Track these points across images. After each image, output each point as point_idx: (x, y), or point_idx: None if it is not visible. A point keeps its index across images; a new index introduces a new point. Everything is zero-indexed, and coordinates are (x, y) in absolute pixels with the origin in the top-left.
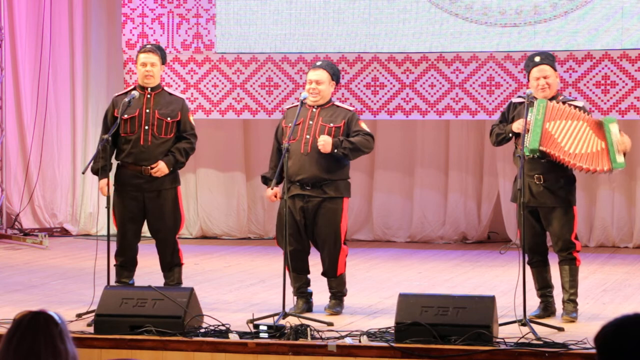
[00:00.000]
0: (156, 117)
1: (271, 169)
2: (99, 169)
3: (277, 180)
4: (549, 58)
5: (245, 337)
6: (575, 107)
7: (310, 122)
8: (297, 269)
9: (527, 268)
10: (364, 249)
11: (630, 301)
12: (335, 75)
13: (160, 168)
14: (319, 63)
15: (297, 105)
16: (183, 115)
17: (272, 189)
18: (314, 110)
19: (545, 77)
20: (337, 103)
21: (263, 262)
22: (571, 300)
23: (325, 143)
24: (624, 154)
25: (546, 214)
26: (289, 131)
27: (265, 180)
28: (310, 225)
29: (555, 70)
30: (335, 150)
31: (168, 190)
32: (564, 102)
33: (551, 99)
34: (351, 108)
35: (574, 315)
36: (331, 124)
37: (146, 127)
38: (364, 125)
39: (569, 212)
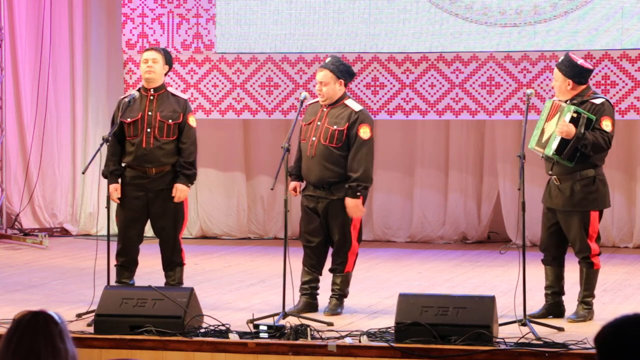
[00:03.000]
0: (158, 119)
1: (295, 163)
2: (108, 174)
3: (295, 176)
4: (563, 62)
5: (245, 337)
6: (593, 104)
7: (319, 123)
8: (307, 265)
9: (528, 268)
10: (364, 249)
11: (630, 301)
12: (341, 73)
13: (179, 195)
14: (328, 60)
15: (317, 101)
16: (184, 116)
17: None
18: (324, 109)
19: (554, 79)
20: (348, 102)
21: (263, 262)
22: (583, 302)
23: (354, 209)
24: (562, 142)
25: (562, 217)
26: (290, 132)
27: (290, 174)
28: (323, 222)
29: (567, 75)
30: (358, 194)
31: (171, 190)
32: (583, 103)
33: (573, 98)
34: (358, 108)
35: (580, 318)
36: (335, 127)
37: (148, 130)
38: (363, 133)
39: (584, 217)
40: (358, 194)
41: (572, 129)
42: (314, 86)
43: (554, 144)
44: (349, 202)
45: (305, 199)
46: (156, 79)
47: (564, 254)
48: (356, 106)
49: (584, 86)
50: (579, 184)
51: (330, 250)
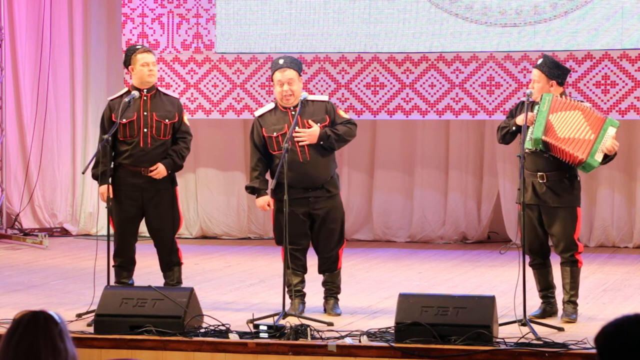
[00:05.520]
0: (154, 119)
1: (256, 178)
2: (99, 175)
3: (263, 190)
4: (545, 62)
5: (245, 337)
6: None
7: (298, 128)
8: (297, 267)
9: (528, 268)
10: (364, 249)
11: (630, 301)
12: (300, 70)
13: (160, 171)
14: (281, 61)
15: (270, 111)
16: (180, 116)
17: (270, 189)
18: (293, 112)
19: (533, 81)
20: (309, 97)
21: (263, 262)
22: (571, 302)
23: (310, 135)
24: (606, 157)
25: (548, 214)
26: (290, 132)
27: (253, 191)
28: (318, 224)
29: (549, 76)
30: (322, 142)
31: (166, 191)
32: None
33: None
34: (325, 97)
35: (574, 317)
36: (319, 124)
37: (145, 130)
38: (342, 113)
39: (572, 213)
40: (322, 142)
41: (616, 148)
42: (291, 84)
43: (598, 156)
44: (315, 128)
45: (291, 203)
46: (155, 80)
47: (549, 254)
48: (322, 97)
49: (563, 88)
50: (566, 181)
51: (312, 251)
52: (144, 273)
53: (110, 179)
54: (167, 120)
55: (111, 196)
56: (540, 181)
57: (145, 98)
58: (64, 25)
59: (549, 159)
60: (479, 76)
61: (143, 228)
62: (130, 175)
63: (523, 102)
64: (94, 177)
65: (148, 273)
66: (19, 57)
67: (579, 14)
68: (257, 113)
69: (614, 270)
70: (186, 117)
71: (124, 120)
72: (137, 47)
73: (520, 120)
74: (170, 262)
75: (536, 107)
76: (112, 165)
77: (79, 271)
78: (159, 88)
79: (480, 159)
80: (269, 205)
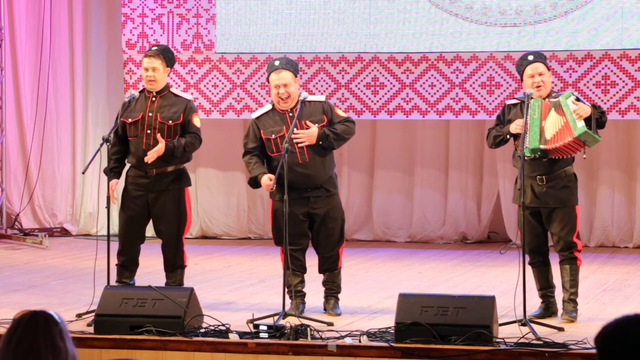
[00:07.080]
0: (158, 120)
1: (252, 170)
2: (109, 171)
3: (274, 185)
4: (541, 56)
5: (245, 337)
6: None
7: (296, 129)
8: (296, 267)
9: (528, 268)
10: (364, 249)
11: (630, 301)
12: (296, 71)
13: (154, 152)
14: (277, 63)
15: (267, 112)
16: (186, 117)
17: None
18: (290, 114)
19: (540, 74)
20: (307, 98)
21: (263, 262)
22: (571, 300)
23: (309, 136)
24: (589, 120)
25: (548, 214)
26: (290, 132)
27: (254, 181)
28: (318, 223)
29: (549, 69)
30: (321, 143)
31: (173, 191)
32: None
33: (546, 97)
34: (322, 97)
35: (574, 315)
36: (316, 125)
37: (148, 131)
38: (340, 112)
39: (571, 212)
40: (321, 142)
41: (587, 107)
42: (283, 87)
43: (579, 124)
44: (314, 128)
45: (291, 203)
46: (158, 86)
47: (548, 253)
48: (319, 97)
49: None
50: (565, 180)
51: (312, 251)
52: (144, 273)
53: (120, 176)
54: (170, 122)
55: (113, 189)
56: (540, 183)
57: (153, 99)
58: (64, 25)
59: (548, 162)
60: (479, 76)
61: (150, 228)
62: (137, 175)
63: (509, 106)
64: (105, 172)
65: (148, 273)
66: (19, 57)
67: (579, 14)
68: (254, 115)
69: (614, 270)
70: (196, 119)
71: (129, 119)
72: (151, 49)
73: (514, 128)
74: (174, 264)
75: (528, 111)
76: (124, 163)
77: (79, 271)
78: (172, 89)
79: (480, 159)
80: (270, 179)
